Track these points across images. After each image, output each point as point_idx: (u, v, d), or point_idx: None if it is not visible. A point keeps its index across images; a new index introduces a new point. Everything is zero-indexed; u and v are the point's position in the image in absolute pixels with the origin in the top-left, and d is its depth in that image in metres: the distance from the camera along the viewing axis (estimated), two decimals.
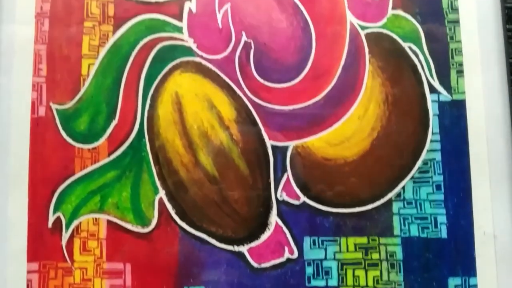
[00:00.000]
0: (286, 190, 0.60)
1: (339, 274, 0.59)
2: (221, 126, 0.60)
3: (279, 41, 0.62)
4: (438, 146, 0.61)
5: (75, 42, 0.61)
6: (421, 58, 0.63)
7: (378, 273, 0.59)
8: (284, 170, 0.60)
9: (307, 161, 0.60)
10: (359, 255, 0.59)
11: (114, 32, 0.61)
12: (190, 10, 0.62)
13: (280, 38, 0.62)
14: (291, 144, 0.61)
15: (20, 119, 0.59)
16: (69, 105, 0.60)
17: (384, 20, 0.63)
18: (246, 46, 0.62)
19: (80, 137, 0.59)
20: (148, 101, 0.60)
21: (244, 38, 0.62)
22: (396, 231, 0.60)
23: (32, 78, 0.60)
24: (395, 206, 0.60)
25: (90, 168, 0.59)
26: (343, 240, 0.59)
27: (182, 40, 0.61)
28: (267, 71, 0.61)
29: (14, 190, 0.58)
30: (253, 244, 0.59)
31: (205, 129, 0.60)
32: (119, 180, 0.59)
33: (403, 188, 0.60)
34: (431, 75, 0.62)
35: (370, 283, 0.59)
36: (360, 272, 0.59)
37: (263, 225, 0.59)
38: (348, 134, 0.61)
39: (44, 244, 0.58)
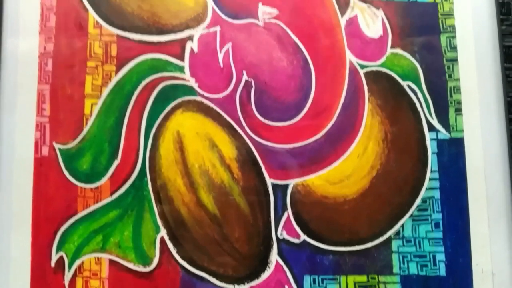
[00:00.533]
0: (286, 229, 0.61)
1: None
2: (222, 165, 0.61)
3: (279, 80, 0.63)
4: (437, 184, 0.62)
5: (78, 81, 0.61)
6: (420, 96, 0.63)
7: None
8: (284, 208, 0.61)
9: (307, 199, 0.61)
10: None
11: (117, 71, 0.62)
12: (191, 50, 0.63)
13: (280, 76, 0.63)
14: (292, 183, 0.61)
15: (24, 159, 0.60)
16: (72, 144, 0.60)
17: (383, 59, 0.64)
18: (247, 85, 0.62)
19: (83, 176, 0.60)
20: (150, 140, 0.61)
21: (245, 77, 0.63)
22: (395, 269, 0.60)
23: (35, 118, 0.60)
24: (394, 244, 0.61)
25: (92, 208, 0.59)
26: (343, 278, 0.60)
27: (183, 79, 0.62)
28: (268, 110, 0.62)
29: (17, 229, 0.59)
30: (254, 283, 0.59)
31: (206, 168, 0.61)
32: (121, 219, 0.59)
33: (402, 226, 0.61)
34: (430, 113, 0.63)
35: None
36: None
37: (264, 264, 0.60)
38: (347, 173, 0.62)
39: (47, 284, 0.58)
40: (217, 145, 0.61)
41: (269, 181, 0.61)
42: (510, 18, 0.64)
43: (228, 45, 0.63)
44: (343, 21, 0.64)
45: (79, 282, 0.59)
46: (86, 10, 0.63)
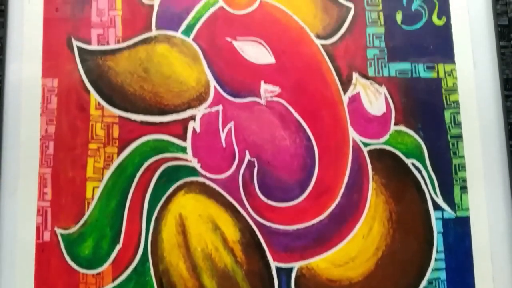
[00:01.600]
0: None
1: None
2: (225, 248, 0.60)
3: (282, 159, 0.62)
4: (442, 264, 0.61)
5: (80, 164, 0.61)
6: (424, 174, 0.63)
7: None
8: None
9: (312, 283, 0.60)
10: None
11: (118, 153, 0.61)
12: (194, 130, 0.62)
13: (283, 156, 0.63)
14: (296, 266, 0.60)
15: (25, 244, 0.59)
16: (73, 229, 0.60)
17: (387, 137, 0.64)
18: (250, 164, 0.62)
19: (84, 262, 0.59)
20: (152, 224, 0.60)
21: (247, 156, 0.62)
22: None
23: (37, 202, 0.60)
24: None
25: None
26: None
27: (186, 160, 0.62)
28: (271, 190, 0.62)
29: None
30: None
31: (209, 252, 0.60)
32: None
33: None
34: (435, 192, 0.63)
35: None
36: None
37: None
38: (353, 254, 0.61)
39: None
40: (220, 227, 0.61)
41: (273, 264, 0.60)
42: None
43: (231, 124, 0.63)
44: (345, 98, 0.64)
45: None
46: (88, 92, 0.63)
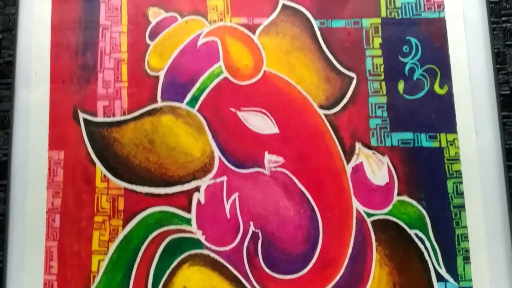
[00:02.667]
0: None
1: None
2: None
3: (286, 231, 0.63)
4: None
5: (86, 237, 0.62)
6: (427, 245, 0.63)
7: None
8: None
9: None
10: None
11: (124, 226, 0.62)
12: (198, 201, 0.63)
13: (287, 227, 0.63)
14: None
15: None
16: None
17: (390, 207, 0.64)
18: (254, 236, 0.63)
19: None
20: None
21: (252, 228, 0.63)
22: None
23: (43, 276, 0.60)
24: None
25: None
26: None
27: (190, 232, 0.62)
28: (275, 262, 0.62)
29: None
30: None
31: None
32: None
33: None
34: (438, 263, 0.63)
35: None
36: None
37: None
38: None
39: None
40: None
41: None
42: None
43: (235, 195, 0.64)
44: (348, 168, 0.65)
45: None
46: (94, 164, 0.63)
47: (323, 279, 0.63)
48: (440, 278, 0.63)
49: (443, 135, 0.66)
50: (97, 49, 0.66)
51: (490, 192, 0.65)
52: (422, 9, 0.68)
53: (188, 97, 0.65)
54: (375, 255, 0.63)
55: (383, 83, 0.67)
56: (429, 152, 0.66)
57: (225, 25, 0.67)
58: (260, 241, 0.63)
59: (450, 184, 0.65)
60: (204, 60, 0.66)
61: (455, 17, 0.68)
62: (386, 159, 0.65)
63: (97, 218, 0.63)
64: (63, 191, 0.63)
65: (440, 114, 0.66)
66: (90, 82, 0.65)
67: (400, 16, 0.68)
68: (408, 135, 0.66)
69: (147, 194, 0.63)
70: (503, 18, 0.67)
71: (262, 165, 0.65)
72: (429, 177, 0.65)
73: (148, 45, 0.66)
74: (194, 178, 0.64)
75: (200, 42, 0.67)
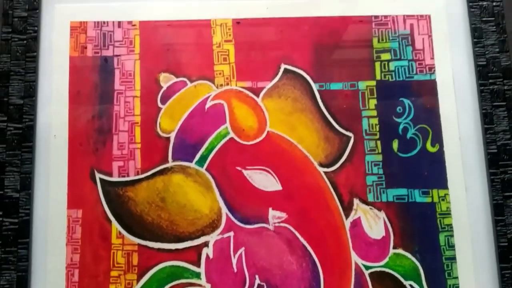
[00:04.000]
0: None
1: None
2: None
3: (290, 283, 0.68)
4: None
5: None
6: None
7: None
8: None
9: None
10: None
11: (138, 280, 0.67)
12: (207, 256, 0.67)
13: (291, 280, 0.67)
14: None
15: None
16: None
17: (386, 259, 0.68)
18: None
19: None
20: None
21: (257, 281, 0.67)
22: None
23: None
24: None
25: None
26: None
27: (200, 285, 0.67)
28: None
29: None
30: None
31: None
32: None
33: None
34: None
35: None
36: None
37: None
38: None
39: None
40: None
41: None
42: (504, 219, 0.69)
43: (241, 250, 0.68)
44: (347, 223, 0.69)
45: None
46: (110, 221, 0.68)
47: None
48: None
49: (435, 191, 0.71)
50: (112, 113, 0.71)
51: (480, 245, 0.70)
52: (414, 72, 0.73)
53: (197, 156, 0.70)
54: None
55: (379, 142, 0.72)
56: (422, 207, 0.70)
57: (231, 88, 0.72)
58: None
59: (442, 237, 0.70)
60: (212, 122, 0.71)
61: (445, 79, 0.73)
62: (382, 214, 0.70)
63: (113, 273, 0.67)
64: (81, 247, 0.67)
65: (432, 171, 0.71)
66: (106, 144, 0.70)
67: (394, 79, 0.73)
68: (403, 191, 0.70)
69: (159, 250, 0.68)
70: (490, 81, 0.72)
71: (266, 221, 0.69)
72: (423, 231, 0.70)
73: (159, 109, 0.71)
74: (203, 234, 0.68)
75: (208, 105, 0.72)
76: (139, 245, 0.68)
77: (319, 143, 0.71)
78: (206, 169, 0.70)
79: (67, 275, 0.67)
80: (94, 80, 0.72)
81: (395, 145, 0.72)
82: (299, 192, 0.70)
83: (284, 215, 0.70)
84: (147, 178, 0.70)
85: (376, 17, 0.75)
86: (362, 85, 0.73)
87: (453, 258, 0.69)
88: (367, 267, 0.69)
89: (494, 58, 0.73)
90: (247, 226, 0.69)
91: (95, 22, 0.73)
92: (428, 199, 0.71)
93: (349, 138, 0.72)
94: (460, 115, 0.72)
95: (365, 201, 0.70)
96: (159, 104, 0.71)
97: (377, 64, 0.73)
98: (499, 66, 0.72)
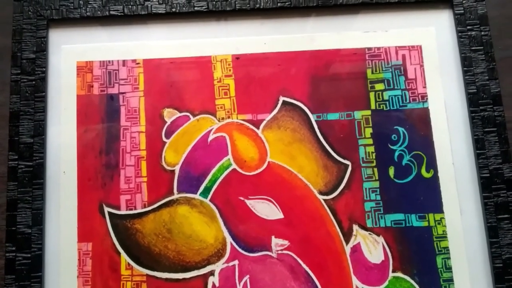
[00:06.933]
0: None
1: None
2: None
3: None
4: None
5: None
6: None
7: None
8: None
9: None
10: None
11: None
12: (213, 284, 0.70)
13: None
14: None
15: None
16: None
17: (386, 283, 0.71)
18: None
19: None
20: None
21: None
22: None
23: None
24: None
25: None
26: None
27: None
28: None
29: None
30: None
31: None
32: None
33: None
34: None
35: None
36: None
37: None
38: None
39: None
40: None
41: None
42: (499, 241, 0.71)
43: (246, 278, 0.71)
44: (348, 249, 0.72)
45: None
46: (119, 253, 0.71)
47: None
48: None
49: (431, 215, 0.73)
50: (119, 148, 0.74)
51: (476, 266, 0.72)
52: (408, 101, 0.76)
53: (201, 188, 0.73)
54: None
55: (375, 169, 0.74)
56: (419, 231, 0.73)
57: (232, 121, 0.75)
58: None
59: (439, 260, 0.72)
60: (215, 154, 0.74)
61: (437, 107, 0.76)
62: (381, 239, 0.73)
63: None
64: (92, 279, 0.70)
65: (428, 196, 0.74)
66: (114, 179, 0.73)
67: (388, 108, 0.76)
68: (400, 216, 0.73)
69: (167, 280, 0.70)
70: (481, 107, 0.75)
71: (269, 249, 0.72)
72: (420, 254, 0.73)
73: (164, 143, 0.74)
74: (209, 263, 0.71)
75: (211, 138, 0.75)
76: (147, 275, 0.70)
77: (318, 171, 0.74)
78: (210, 200, 0.73)
79: None
80: (100, 117, 0.75)
81: (391, 171, 0.75)
82: (300, 220, 0.73)
83: (286, 243, 0.72)
84: (154, 210, 0.72)
85: (369, 49, 0.78)
86: (358, 114, 0.76)
87: (450, 280, 0.72)
88: None
89: (484, 86, 0.76)
90: (251, 254, 0.72)
91: (100, 61, 0.76)
92: (425, 223, 0.73)
93: (347, 166, 0.75)
94: (452, 141, 0.75)
95: (364, 227, 0.73)
96: (164, 139, 0.74)
97: (372, 94, 0.77)
98: (489, 93, 0.76)
